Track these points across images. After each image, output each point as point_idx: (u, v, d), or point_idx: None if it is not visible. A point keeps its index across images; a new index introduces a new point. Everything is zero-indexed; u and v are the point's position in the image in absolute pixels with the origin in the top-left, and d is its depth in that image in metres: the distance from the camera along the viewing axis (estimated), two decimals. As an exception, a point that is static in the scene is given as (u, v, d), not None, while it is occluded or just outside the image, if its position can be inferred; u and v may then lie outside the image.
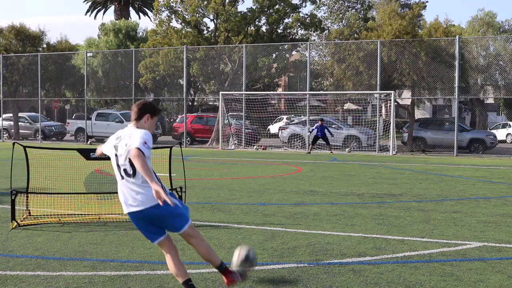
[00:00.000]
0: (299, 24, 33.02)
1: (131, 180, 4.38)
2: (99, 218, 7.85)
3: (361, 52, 24.31)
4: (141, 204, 4.34)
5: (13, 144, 7.55)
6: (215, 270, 5.44)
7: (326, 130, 22.51)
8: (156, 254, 5.98)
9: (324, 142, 23.00)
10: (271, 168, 16.15)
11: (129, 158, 4.32)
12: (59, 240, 6.64)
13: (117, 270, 5.41)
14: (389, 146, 22.90)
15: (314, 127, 22.83)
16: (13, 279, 5.11)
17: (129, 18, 48.14)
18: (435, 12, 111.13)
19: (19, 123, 32.18)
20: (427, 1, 31.03)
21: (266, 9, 32.28)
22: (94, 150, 7.60)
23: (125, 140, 4.44)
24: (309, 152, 22.92)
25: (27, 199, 7.80)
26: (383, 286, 4.98)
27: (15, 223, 7.37)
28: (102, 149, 4.83)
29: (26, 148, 7.69)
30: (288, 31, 33.91)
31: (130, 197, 4.39)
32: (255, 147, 25.63)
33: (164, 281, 5.05)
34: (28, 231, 7.11)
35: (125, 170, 4.41)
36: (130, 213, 4.43)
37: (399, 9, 26.45)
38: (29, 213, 7.79)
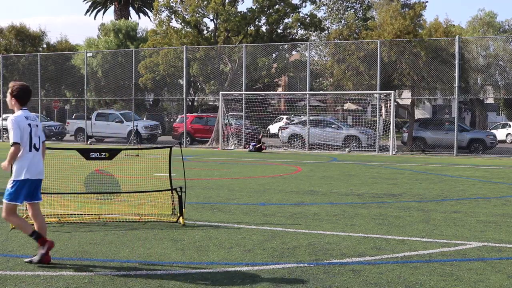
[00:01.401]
0: (299, 24, 33.03)
1: (37, 153, 5.62)
2: (99, 218, 7.85)
3: (361, 52, 24.30)
4: (41, 173, 5.67)
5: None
6: (215, 270, 5.46)
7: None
8: (156, 254, 5.99)
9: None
10: (271, 168, 16.16)
11: (39, 136, 5.69)
12: (59, 240, 6.64)
13: (117, 270, 5.41)
14: (389, 146, 22.90)
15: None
16: (13, 279, 5.11)
17: (129, 18, 48.16)
18: (435, 12, 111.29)
19: (19, 123, 32.11)
20: (427, 1, 31.03)
21: (266, 9, 32.29)
22: (94, 150, 7.61)
23: (36, 122, 5.73)
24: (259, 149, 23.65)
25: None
26: (383, 286, 4.98)
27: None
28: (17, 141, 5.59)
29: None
30: (288, 31, 33.92)
31: (36, 167, 5.57)
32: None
33: (164, 281, 5.05)
34: (28, 231, 7.10)
35: (34, 145, 5.60)
36: (32, 179, 5.52)
37: (401, 9, 26.44)
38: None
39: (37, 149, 5.61)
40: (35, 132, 5.62)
